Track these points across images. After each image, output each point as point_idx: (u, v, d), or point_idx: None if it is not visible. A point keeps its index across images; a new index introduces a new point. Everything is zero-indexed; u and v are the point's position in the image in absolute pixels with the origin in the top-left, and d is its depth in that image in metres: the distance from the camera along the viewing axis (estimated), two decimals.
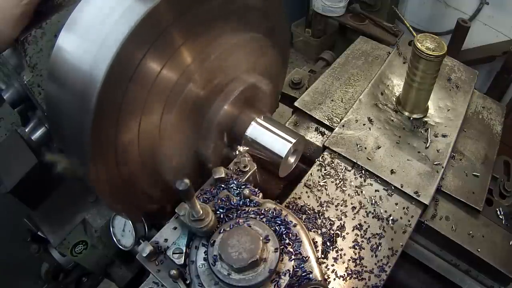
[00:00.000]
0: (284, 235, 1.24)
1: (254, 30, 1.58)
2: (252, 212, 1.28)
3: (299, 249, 1.22)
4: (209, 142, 1.52)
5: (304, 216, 1.51)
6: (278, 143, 1.51)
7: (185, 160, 1.55)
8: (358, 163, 1.69)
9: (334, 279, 1.36)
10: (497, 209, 1.70)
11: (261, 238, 1.14)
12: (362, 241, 1.48)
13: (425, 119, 1.89)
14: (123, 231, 1.68)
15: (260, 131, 1.53)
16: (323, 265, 1.38)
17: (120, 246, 1.67)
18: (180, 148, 1.48)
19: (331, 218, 1.52)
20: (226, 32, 1.43)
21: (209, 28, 1.36)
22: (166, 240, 1.28)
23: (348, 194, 1.61)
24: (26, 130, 1.78)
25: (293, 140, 1.51)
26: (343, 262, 1.41)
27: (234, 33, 1.47)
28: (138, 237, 1.62)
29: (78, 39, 1.16)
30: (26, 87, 1.59)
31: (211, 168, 1.52)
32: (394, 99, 1.97)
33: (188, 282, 1.20)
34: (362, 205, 1.58)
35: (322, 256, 1.37)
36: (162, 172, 1.47)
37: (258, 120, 1.55)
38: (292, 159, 1.61)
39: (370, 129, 1.82)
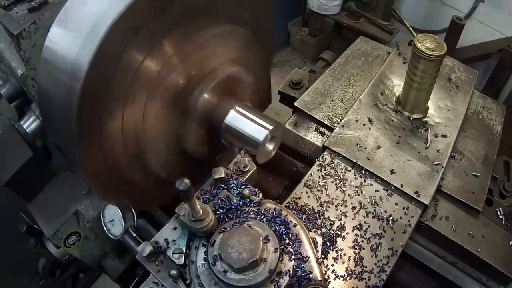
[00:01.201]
0: (284, 235, 1.25)
1: (236, 23, 1.62)
2: (252, 212, 1.28)
3: (299, 249, 1.22)
4: (191, 130, 1.57)
5: (304, 216, 1.51)
6: (255, 129, 1.54)
7: (168, 148, 1.60)
8: (358, 163, 1.69)
9: (334, 279, 1.36)
10: (497, 209, 1.70)
11: (261, 238, 1.14)
12: (362, 241, 1.48)
13: (425, 119, 1.89)
14: (113, 221, 1.72)
15: (238, 118, 1.56)
16: (323, 265, 1.38)
17: (110, 235, 1.71)
18: (163, 136, 1.53)
19: (331, 218, 1.52)
20: (207, 25, 1.48)
21: (190, 21, 1.41)
22: (166, 240, 1.28)
23: (348, 194, 1.61)
24: (21, 123, 1.86)
25: (270, 127, 1.54)
26: (343, 262, 1.41)
27: (216, 26, 1.52)
28: (127, 226, 1.65)
29: (67, 32, 1.22)
30: (20, 81, 1.66)
31: (194, 155, 1.58)
32: (394, 99, 1.97)
33: (188, 282, 1.20)
34: (362, 205, 1.58)
35: (322, 256, 1.37)
36: (147, 159, 1.52)
37: (237, 108, 1.58)
38: (270, 146, 1.63)
39: (370, 129, 1.82)
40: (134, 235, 1.63)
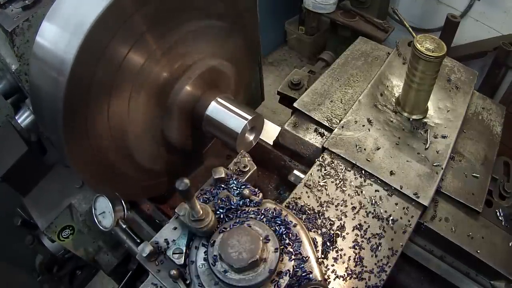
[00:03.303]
0: (284, 235, 1.25)
1: (218, 19, 1.66)
2: (252, 212, 1.28)
3: (299, 249, 1.22)
4: (174, 122, 1.62)
5: (304, 216, 1.51)
6: (235, 119, 1.58)
7: (153, 139, 1.64)
8: (357, 164, 1.69)
9: (334, 279, 1.36)
10: (497, 210, 1.70)
11: (261, 238, 1.14)
12: (362, 241, 1.48)
13: (425, 120, 1.89)
14: (104, 213, 1.76)
15: (219, 110, 1.61)
16: (323, 265, 1.38)
17: (101, 227, 1.74)
18: (148, 127, 1.57)
19: (331, 218, 1.52)
20: (189, 19, 1.53)
21: (172, 16, 1.45)
22: (166, 240, 1.28)
23: (348, 194, 1.61)
24: (16, 118, 1.91)
25: (249, 117, 1.57)
26: (343, 262, 1.41)
27: (197, 20, 1.56)
28: (117, 218, 1.69)
29: (55, 28, 1.27)
30: (15, 76, 1.75)
31: (179, 147, 1.63)
32: (394, 100, 1.97)
33: (188, 282, 1.20)
34: (362, 205, 1.58)
35: (322, 256, 1.37)
36: (133, 150, 1.56)
37: (219, 100, 1.63)
38: (251, 137, 1.67)
39: (369, 130, 1.82)
40: (124, 226, 1.67)
